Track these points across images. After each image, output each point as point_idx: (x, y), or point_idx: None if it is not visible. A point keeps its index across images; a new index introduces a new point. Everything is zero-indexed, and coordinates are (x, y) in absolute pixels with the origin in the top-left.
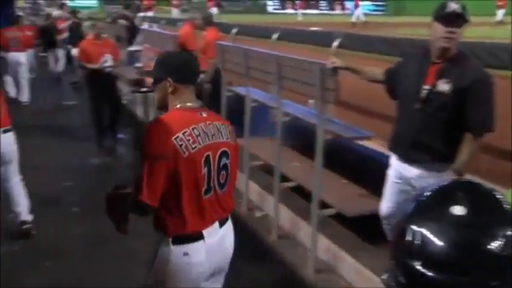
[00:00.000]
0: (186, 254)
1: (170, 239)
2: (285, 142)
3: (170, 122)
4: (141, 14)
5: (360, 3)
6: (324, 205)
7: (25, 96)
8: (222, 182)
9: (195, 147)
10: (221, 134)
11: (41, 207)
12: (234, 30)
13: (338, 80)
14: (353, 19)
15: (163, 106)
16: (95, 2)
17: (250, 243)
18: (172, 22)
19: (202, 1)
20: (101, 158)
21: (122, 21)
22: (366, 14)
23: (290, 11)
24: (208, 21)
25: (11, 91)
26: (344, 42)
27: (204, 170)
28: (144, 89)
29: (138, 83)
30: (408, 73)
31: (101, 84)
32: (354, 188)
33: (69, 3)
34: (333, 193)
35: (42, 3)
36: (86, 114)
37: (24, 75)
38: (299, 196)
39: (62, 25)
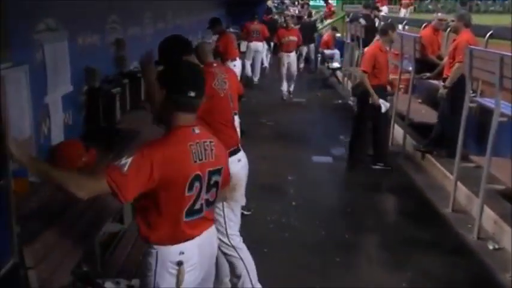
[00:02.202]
0: None
1: None
2: None
3: None
4: (382, 14)
5: None
6: None
7: (256, 78)
8: None
9: None
10: None
11: (263, 194)
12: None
13: None
14: None
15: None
16: (334, 1)
17: (479, 279)
18: (417, 23)
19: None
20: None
21: (362, 21)
22: None
23: None
24: (464, 22)
25: (248, 71)
26: None
27: None
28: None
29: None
30: None
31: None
32: None
33: (311, 3)
34: None
35: (287, 3)
36: (312, 114)
37: (259, 61)
38: None
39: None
